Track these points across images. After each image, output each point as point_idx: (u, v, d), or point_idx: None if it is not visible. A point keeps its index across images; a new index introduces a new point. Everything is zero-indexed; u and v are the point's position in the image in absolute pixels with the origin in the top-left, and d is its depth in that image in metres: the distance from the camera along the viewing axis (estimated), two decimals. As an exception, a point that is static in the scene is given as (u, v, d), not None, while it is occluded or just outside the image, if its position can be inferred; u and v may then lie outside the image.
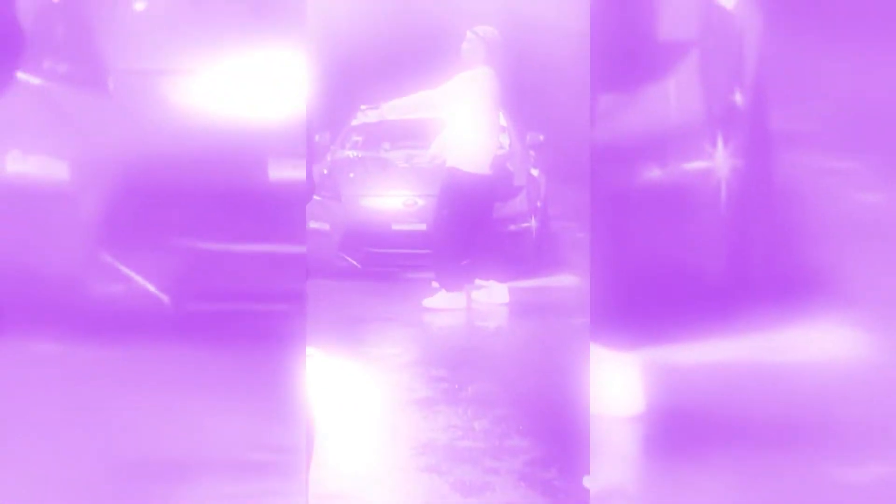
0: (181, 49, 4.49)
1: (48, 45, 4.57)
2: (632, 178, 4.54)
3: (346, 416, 5.33)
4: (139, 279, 4.50)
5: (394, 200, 9.34)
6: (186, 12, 4.54)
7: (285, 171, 4.44)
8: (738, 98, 4.50)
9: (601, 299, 4.49)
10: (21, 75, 4.55)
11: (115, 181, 4.53)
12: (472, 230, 8.52)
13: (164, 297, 4.51)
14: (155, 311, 4.50)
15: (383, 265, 9.16)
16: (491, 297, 8.51)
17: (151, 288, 4.50)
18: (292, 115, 4.43)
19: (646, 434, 4.43)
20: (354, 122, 10.90)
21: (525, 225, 9.43)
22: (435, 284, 8.51)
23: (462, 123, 8.33)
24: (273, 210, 4.48)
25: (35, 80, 4.55)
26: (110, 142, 4.53)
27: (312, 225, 9.28)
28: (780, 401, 4.34)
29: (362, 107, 11.05)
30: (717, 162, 4.49)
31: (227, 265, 4.55)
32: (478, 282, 8.58)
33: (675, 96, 4.49)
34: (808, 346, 4.39)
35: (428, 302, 8.36)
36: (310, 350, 5.95)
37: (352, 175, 9.71)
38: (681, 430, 4.35)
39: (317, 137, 10.60)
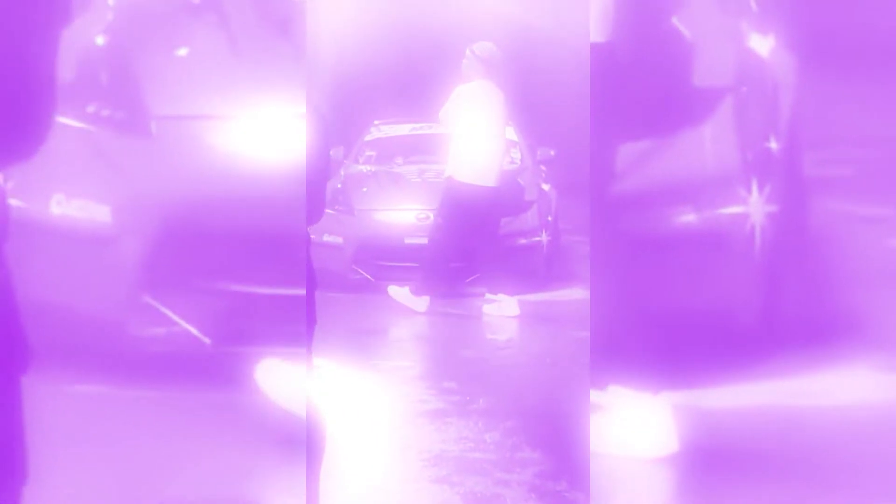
0: (221, 95, 4.54)
1: (91, 91, 4.60)
2: (657, 224, 4.57)
3: (358, 428, 5.37)
4: (180, 321, 4.55)
5: (406, 214, 9.37)
6: (226, 59, 4.59)
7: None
8: (773, 144, 4.55)
9: (603, 344, 4.53)
10: (65, 120, 4.59)
11: (156, 224, 4.57)
12: (474, 242, 8.59)
13: (206, 340, 4.57)
14: (196, 353, 4.55)
15: (396, 278, 9.18)
16: (501, 310, 8.55)
17: (193, 330, 4.55)
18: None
19: (671, 476, 4.49)
20: (368, 138, 10.94)
21: (536, 239, 9.47)
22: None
23: (459, 135, 8.45)
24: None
25: (78, 125, 4.59)
26: (152, 185, 4.58)
27: (326, 238, 9.32)
28: (809, 444, 4.38)
29: (376, 122, 11.10)
30: (751, 207, 4.53)
31: (263, 307, 4.60)
32: (488, 295, 8.63)
33: (710, 143, 4.54)
34: (839, 390, 4.44)
35: (392, 290, 8.54)
36: (321, 362, 5.98)
37: (365, 189, 9.74)
38: (707, 472, 4.39)
39: (331, 153, 10.63)
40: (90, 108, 4.61)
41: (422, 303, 8.52)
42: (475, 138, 8.40)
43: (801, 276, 4.56)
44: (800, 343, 4.51)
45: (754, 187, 4.52)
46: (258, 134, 4.59)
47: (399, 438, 5.24)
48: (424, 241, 8.88)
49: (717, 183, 4.51)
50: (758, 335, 4.56)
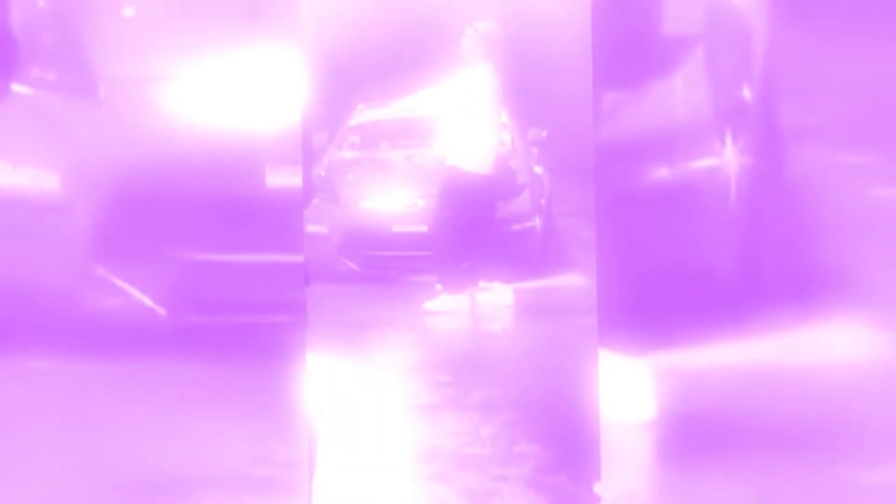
0: (172, 54, 4.38)
1: (37, 54, 4.45)
2: (638, 178, 4.46)
3: (350, 424, 5.24)
4: (135, 292, 4.40)
5: (394, 202, 9.24)
6: (177, 17, 4.43)
7: (281, 178, 4.35)
8: (747, 93, 4.40)
9: (608, 303, 4.41)
10: (10, 85, 4.44)
11: (107, 191, 4.42)
12: (474, 230, 8.46)
13: (161, 310, 4.42)
14: (152, 324, 4.41)
15: (384, 268, 9.06)
16: (495, 299, 8.46)
17: (147, 301, 4.40)
18: (288, 120, 4.34)
19: (658, 440, 4.34)
20: (352, 122, 10.81)
21: (529, 224, 9.33)
22: (438, 287, 8.46)
23: (463, 122, 8.36)
24: (270, 218, 4.39)
25: (24, 90, 4.44)
26: (102, 151, 4.42)
27: (310, 228, 9.16)
28: (795, 403, 4.25)
29: (360, 106, 10.96)
30: (726, 159, 4.40)
31: (224, 275, 4.47)
32: (481, 284, 8.51)
33: (682, 92, 4.40)
34: (824, 346, 4.30)
35: (430, 305, 8.31)
36: (310, 357, 5.85)
37: (350, 176, 9.63)
38: (695, 435, 4.27)
39: (314, 138, 10.53)
40: (35, 72, 4.46)
41: (463, 300, 8.37)
42: (477, 126, 8.34)
43: (780, 228, 4.42)
44: (783, 298, 4.37)
45: (728, 139, 4.38)
46: (214, 94, 4.43)
47: (392, 434, 5.12)
48: (414, 229, 8.77)
49: (689, 135, 4.38)
50: (739, 291, 4.43)
